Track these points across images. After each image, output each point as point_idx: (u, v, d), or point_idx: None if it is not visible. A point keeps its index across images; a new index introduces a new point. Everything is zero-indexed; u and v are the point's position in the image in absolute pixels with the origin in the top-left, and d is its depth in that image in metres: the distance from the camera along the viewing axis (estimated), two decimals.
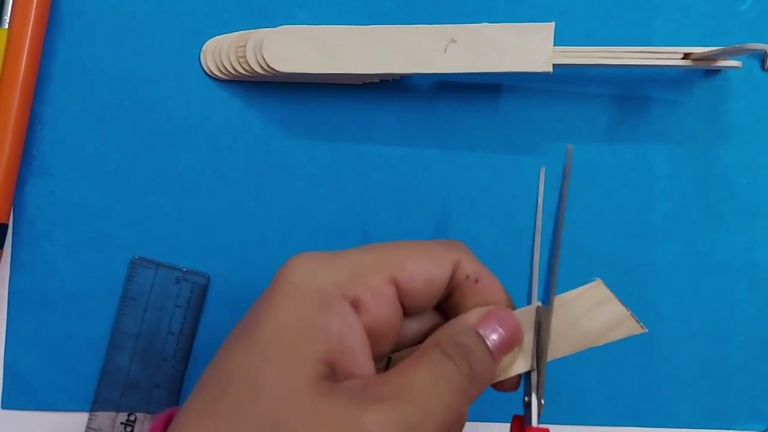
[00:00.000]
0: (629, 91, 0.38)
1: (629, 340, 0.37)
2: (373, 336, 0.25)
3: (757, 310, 0.38)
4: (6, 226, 0.37)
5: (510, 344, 0.26)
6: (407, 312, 0.26)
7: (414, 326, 0.28)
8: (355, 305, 0.25)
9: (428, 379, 0.24)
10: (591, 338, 0.27)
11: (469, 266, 0.27)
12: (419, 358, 0.24)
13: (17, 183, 0.38)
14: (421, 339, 0.27)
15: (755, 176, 0.38)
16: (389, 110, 0.38)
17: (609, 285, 0.37)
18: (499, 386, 0.27)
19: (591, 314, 0.27)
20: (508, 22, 0.34)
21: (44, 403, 0.38)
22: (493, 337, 0.25)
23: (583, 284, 0.28)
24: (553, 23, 0.34)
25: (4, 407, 0.38)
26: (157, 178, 0.38)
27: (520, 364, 0.27)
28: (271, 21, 0.38)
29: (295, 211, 0.38)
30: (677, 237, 0.38)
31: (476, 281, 0.27)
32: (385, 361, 0.28)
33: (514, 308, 0.28)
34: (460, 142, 0.38)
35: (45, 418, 0.38)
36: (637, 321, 0.27)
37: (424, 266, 0.26)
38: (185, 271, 0.38)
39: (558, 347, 0.27)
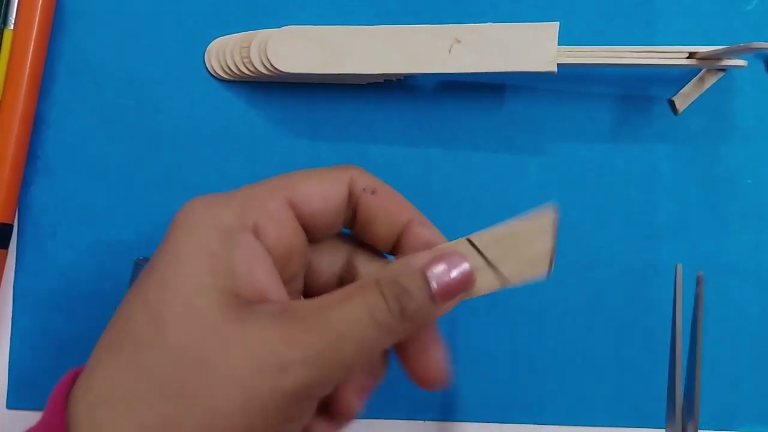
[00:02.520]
0: (634, 90, 0.38)
1: (632, 339, 0.37)
2: (278, 260, 0.25)
3: (762, 311, 0.37)
4: (11, 226, 0.38)
5: (457, 290, 0.25)
6: (313, 236, 0.27)
7: (325, 260, 0.28)
8: (256, 232, 0.25)
9: (350, 311, 0.24)
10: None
11: (363, 179, 0.27)
12: (353, 289, 0.24)
13: (22, 184, 0.38)
14: (337, 273, 0.28)
15: (760, 176, 0.38)
16: (392, 110, 0.38)
17: (611, 285, 0.37)
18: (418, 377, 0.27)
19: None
20: (512, 22, 0.34)
21: None
22: (439, 280, 0.25)
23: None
24: (558, 23, 0.34)
25: (9, 407, 0.38)
26: (161, 178, 0.38)
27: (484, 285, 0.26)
28: (275, 21, 0.38)
29: None
30: (682, 237, 0.38)
31: (373, 192, 0.27)
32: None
33: (424, 220, 0.27)
34: (464, 142, 0.38)
35: None
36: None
37: (319, 185, 0.26)
38: None
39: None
